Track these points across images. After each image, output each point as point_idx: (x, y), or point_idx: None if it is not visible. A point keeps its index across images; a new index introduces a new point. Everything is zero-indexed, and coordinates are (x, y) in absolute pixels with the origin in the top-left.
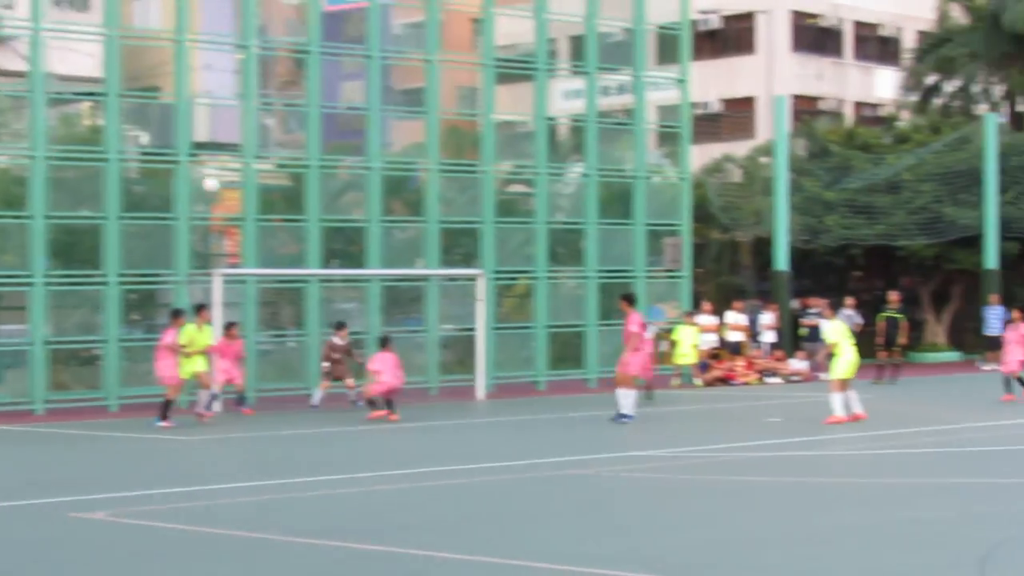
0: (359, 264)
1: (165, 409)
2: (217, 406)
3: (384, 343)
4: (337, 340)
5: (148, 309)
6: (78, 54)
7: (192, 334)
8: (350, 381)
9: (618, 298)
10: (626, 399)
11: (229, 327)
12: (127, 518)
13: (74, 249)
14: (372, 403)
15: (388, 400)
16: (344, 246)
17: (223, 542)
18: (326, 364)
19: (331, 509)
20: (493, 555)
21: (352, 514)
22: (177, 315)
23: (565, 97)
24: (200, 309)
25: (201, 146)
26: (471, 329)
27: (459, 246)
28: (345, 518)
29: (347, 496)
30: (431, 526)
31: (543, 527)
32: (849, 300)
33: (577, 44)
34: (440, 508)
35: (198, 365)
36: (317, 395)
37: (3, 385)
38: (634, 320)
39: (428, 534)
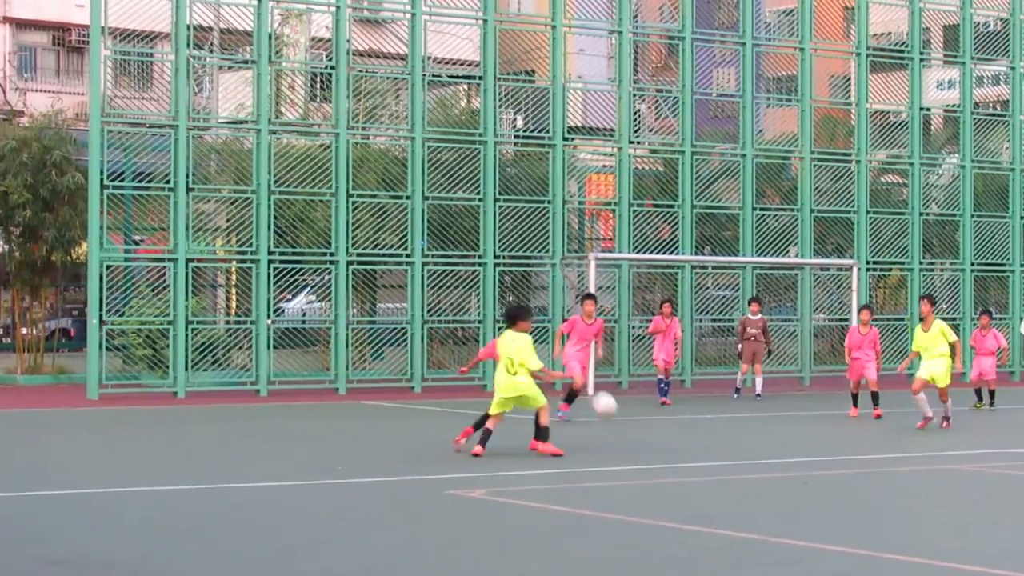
0: (731, 251)
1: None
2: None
3: None
4: (749, 315)
5: (523, 291)
6: (455, 38)
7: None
8: (745, 366)
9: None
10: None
11: (663, 305)
12: (503, 497)
13: (450, 230)
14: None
15: None
16: (716, 232)
17: (594, 524)
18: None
19: (699, 496)
20: (867, 548)
21: (721, 502)
22: (588, 297)
23: (938, 87)
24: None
25: (575, 130)
26: (844, 320)
27: (832, 235)
28: (713, 506)
29: (716, 484)
30: (807, 516)
31: (919, 522)
32: None
33: (951, 33)
34: (817, 499)
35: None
36: (740, 379)
37: (382, 362)
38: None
39: (803, 524)
